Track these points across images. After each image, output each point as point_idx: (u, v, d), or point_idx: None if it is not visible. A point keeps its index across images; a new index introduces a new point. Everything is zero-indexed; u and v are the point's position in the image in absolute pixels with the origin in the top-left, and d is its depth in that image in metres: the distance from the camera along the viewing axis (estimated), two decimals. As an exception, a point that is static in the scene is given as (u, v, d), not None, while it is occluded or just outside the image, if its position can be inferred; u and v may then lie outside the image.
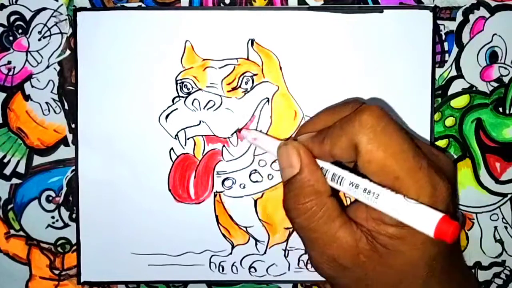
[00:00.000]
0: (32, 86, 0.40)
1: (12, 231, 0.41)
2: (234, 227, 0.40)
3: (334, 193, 0.31)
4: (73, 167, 0.40)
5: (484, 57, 0.40)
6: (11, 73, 0.40)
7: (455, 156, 0.40)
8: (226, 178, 0.40)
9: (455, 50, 0.40)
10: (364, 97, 0.39)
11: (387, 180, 0.28)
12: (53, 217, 0.41)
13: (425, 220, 0.27)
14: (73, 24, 0.39)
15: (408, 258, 0.29)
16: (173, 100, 0.39)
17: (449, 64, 0.40)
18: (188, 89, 0.39)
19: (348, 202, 0.39)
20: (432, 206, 0.27)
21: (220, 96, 0.39)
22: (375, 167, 0.28)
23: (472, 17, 0.40)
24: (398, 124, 0.29)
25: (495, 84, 0.40)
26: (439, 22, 0.40)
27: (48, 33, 0.40)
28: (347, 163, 0.33)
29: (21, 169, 0.40)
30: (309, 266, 0.40)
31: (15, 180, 0.41)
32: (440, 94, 0.40)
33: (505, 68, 0.40)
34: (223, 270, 0.40)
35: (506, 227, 0.41)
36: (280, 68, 0.39)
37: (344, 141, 0.29)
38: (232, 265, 0.40)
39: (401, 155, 0.28)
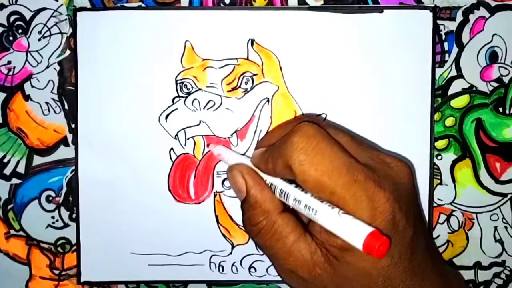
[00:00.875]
0: (32, 86, 0.40)
1: (12, 231, 0.41)
2: (234, 227, 0.40)
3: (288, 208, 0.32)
4: (73, 167, 0.40)
5: (484, 57, 0.40)
6: (11, 73, 0.40)
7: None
8: (226, 178, 0.40)
9: (455, 50, 0.40)
10: (364, 97, 0.39)
11: (325, 196, 0.29)
12: (53, 217, 0.41)
13: (355, 234, 0.27)
14: (73, 24, 0.39)
15: (360, 269, 0.29)
16: (173, 100, 0.39)
17: (449, 64, 0.40)
18: (188, 89, 0.39)
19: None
20: (367, 220, 0.28)
21: (220, 96, 0.39)
22: (311, 185, 0.29)
23: (472, 17, 0.40)
24: (332, 141, 0.29)
25: (495, 84, 0.40)
26: (439, 22, 0.40)
27: (48, 33, 0.40)
28: None
29: (21, 169, 0.40)
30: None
31: (15, 180, 0.41)
32: (440, 94, 0.40)
33: (505, 68, 0.40)
34: (223, 270, 0.40)
35: (506, 227, 0.41)
36: (280, 68, 0.39)
37: (281, 163, 0.30)
38: (232, 265, 0.40)
39: (334, 171, 0.28)
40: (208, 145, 0.39)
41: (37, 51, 0.40)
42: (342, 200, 0.28)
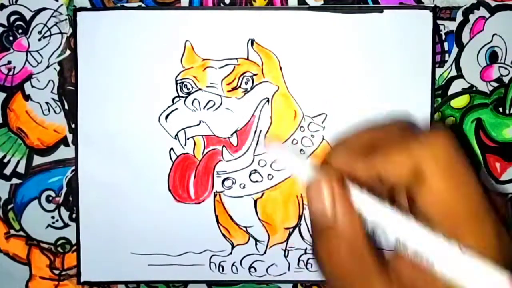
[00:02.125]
0: (32, 86, 0.40)
1: (12, 231, 0.41)
2: (234, 227, 0.40)
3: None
4: (73, 167, 0.40)
5: (484, 57, 0.40)
6: (11, 73, 0.40)
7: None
8: (226, 178, 0.40)
9: (455, 50, 0.40)
10: (364, 96, 0.39)
11: (445, 219, 0.24)
12: (53, 217, 0.41)
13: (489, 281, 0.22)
14: (73, 24, 0.39)
15: None
16: (173, 100, 0.39)
17: (449, 64, 0.40)
18: (188, 89, 0.39)
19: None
20: (497, 264, 0.23)
21: (220, 96, 0.39)
22: (436, 201, 0.24)
23: (472, 17, 0.40)
24: (468, 162, 0.24)
25: (495, 84, 0.40)
26: (439, 22, 0.40)
27: (48, 33, 0.40)
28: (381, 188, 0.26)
29: (21, 169, 0.40)
30: (309, 266, 0.40)
31: (15, 180, 0.41)
32: (440, 94, 0.40)
33: (505, 68, 0.40)
34: (223, 270, 0.40)
35: (506, 227, 0.41)
36: (280, 68, 0.39)
37: (406, 164, 0.24)
38: (232, 265, 0.40)
39: (469, 196, 0.24)
40: (266, 145, 0.38)
41: (37, 51, 0.40)
42: (465, 230, 0.23)
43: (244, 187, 0.40)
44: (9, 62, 0.40)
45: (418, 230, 0.23)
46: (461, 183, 0.23)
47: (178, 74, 0.39)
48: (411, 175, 0.23)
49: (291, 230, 0.40)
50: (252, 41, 0.39)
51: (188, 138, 0.40)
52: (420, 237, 0.23)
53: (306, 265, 0.40)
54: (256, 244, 0.40)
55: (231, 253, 0.40)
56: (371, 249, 0.24)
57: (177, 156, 0.40)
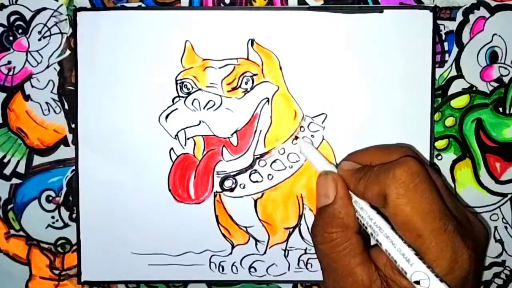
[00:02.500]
0: (32, 86, 0.40)
1: (12, 231, 0.41)
2: (234, 227, 0.40)
3: (360, 230, 0.32)
4: (73, 167, 0.40)
5: (484, 57, 0.40)
6: (11, 73, 0.40)
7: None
8: (226, 178, 0.40)
9: (455, 50, 0.40)
10: (364, 96, 0.39)
11: (410, 236, 0.29)
12: (53, 217, 0.41)
13: (429, 285, 0.28)
14: (73, 24, 0.39)
15: None
16: (173, 100, 0.39)
17: (449, 64, 0.40)
18: (188, 89, 0.39)
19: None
20: (444, 271, 0.28)
21: (220, 96, 0.39)
22: (400, 221, 0.29)
23: (472, 17, 0.40)
24: (432, 183, 0.29)
25: (495, 84, 0.40)
26: (439, 22, 0.40)
27: (48, 33, 0.40)
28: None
29: (21, 169, 0.40)
30: (309, 266, 0.40)
31: (15, 180, 0.41)
32: (440, 94, 0.40)
33: (505, 68, 0.40)
34: (223, 270, 0.40)
35: (506, 227, 0.41)
36: (280, 68, 0.39)
37: (376, 189, 0.30)
38: (232, 265, 0.40)
39: (428, 215, 0.28)
40: (296, 138, 0.39)
41: (37, 51, 0.40)
42: (426, 245, 0.28)
43: (244, 187, 0.40)
44: (9, 62, 0.40)
45: (392, 238, 0.30)
46: (420, 205, 0.28)
47: (178, 74, 0.39)
48: (381, 200, 0.29)
49: (291, 230, 0.40)
50: (252, 41, 0.39)
51: (188, 138, 0.40)
52: (391, 244, 0.29)
53: (306, 265, 0.40)
54: (256, 244, 0.40)
55: (231, 253, 0.40)
56: (358, 233, 0.31)
57: (177, 156, 0.40)
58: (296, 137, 0.39)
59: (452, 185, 0.41)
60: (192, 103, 0.39)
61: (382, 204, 0.30)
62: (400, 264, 0.29)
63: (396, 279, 0.29)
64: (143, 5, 0.40)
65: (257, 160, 0.40)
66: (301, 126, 0.40)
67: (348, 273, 0.30)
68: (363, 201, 0.32)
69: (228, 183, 0.40)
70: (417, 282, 0.28)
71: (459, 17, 0.40)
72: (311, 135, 0.40)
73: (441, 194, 0.30)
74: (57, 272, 0.41)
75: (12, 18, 0.40)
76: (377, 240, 0.31)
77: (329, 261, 0.31)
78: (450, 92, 0.40)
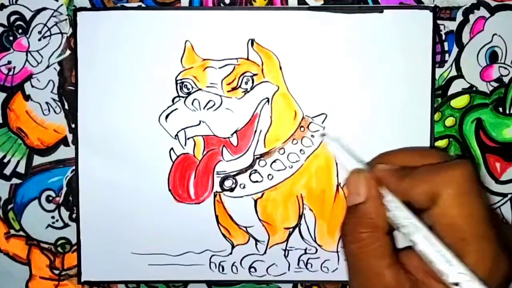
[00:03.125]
0: (32, 86, 0.40)
1: (12, 231, 0.41)
2: (234, 227, 0.40)
3: (391, 231, 0.31)
4: (73, 167, 0.40)
5: (484, 57, 0.40)
6: (11, 73, 0.40)
7: None
8: (226, 178, 0.40)
9: (455, 50, 0.40)
10: (364, 96, 0.39)
11: (452, 238, 0.28)
12: (53, 217, 0.41)
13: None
14: (73, 24, 0.39)
15: None
16: (173, 100, 0.39)
17: (449, 64, 0.40)
18: (188, 89, 0.39)
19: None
20: (484, 276, 0.27)
21: (220, 96, 0.39)
22: (446, 222, 0.28)
23: (472, 17, 0.40)
24: (481, 189, 0.30)
25: (495, 84, 0.40)
26: (439, 22, 0.40)
27: (48, 33, 0.40)
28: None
29: (21, 169, 0.40)
30: (309, 266, 0.40)
31: (15, 180, 0.41)
32: (440, 94, 0.40)
33: (505, 68, 0.40)
34: (223, 270, 0.40)
35: (506, 227, 0.41)
36: (280, 68, 0.39)
37: (426, 187, 0.29)
38: (232, 265, 0.40)
39: (475, 220, 0.28)
40: (322, 135, 0.38)
41: (37, 51, 0.40)
42: (467, 248, 0.28)
43: (244, 187, 0.40)
44: (9, 62, 0.40)
45: (429, 238, 0.29)
46: (470, 209, 0.28)
47: (178, 74, 0.39)
48: (429, 199, 0.29)
49: (291, 230, 0.40)
50: (252, 41, 0.39)
51: (188, 138, 0.40)
52: (429, 244, 0.28)
53: (306, 265, 0.40)
54: (256, 244, 0.40)
55: (231, 253, 0.40)
56: (388, 234, 0.30)
57: (177, 156, 0.40)
58: (323, 134, 0.39)
59: (452, 185, 0.41)
60: (192, 103, 0.39)
61: (428, 204, 0.29)
62: (438, 265, 0.28)
63: (429, 282, 0.29)
64: (143, 5, 0.40)
65: (257, 160, 0.40)
66: (301, 126, 0.40)
67: (376, 275, 0.30)
68: (399, 200, 0.31)
69: (228, 183, 0.40)
70: (456, 284, 0.27)
71: (459, 17, 0.40)
72: (311, 135, 0.40)
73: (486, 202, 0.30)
74: (57, 272, 0.41)
75: (12, 18, 0.40)
76: (411, 241, 0.29)
77: (357, 261, 0.30)
78: (450, 92, 0.40)
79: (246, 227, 0.40)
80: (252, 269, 0.40)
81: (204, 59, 0.39)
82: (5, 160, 0.40)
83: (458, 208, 0.28)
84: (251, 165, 0.40)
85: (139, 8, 0.39)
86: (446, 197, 0.28)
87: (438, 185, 0.29)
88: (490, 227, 0.28)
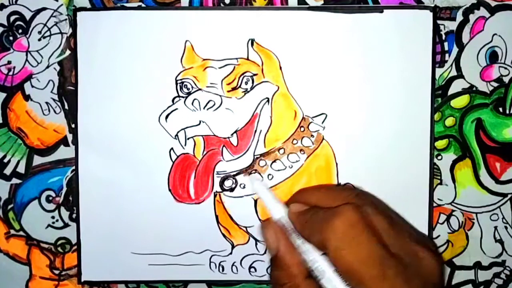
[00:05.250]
0: (32, 86, 0.40)
1: (12, 231, 0.41)
2: (234, 227, 0.40)
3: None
4: (73, 167, 0.40)
5: (484, 57, 0.40)
6: (11, 73, 0.40)
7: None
8: (226, 178, 0.40)
9: (455, 50, 0.40)
10: (364, 96, 0.39)
11: (351, 280, 0.29)
12: (53, 217, 0.41)
13: None
14: (73, 24, 0.39)
15: None
16: (173, 100, 0.39)
17: (449, 64, 0.40)
18: (188, 89, 0.39)
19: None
20: None
21: (220, 96, 0.39)
22: (341, 270, 0.30)
23: (472, 17, 0.40)
24: (372, 230, 0.30)
25: (495, 84, 0.40)
26: (439, 22, 0.40)
27: (48, 33, 0.40)
28: None
29: (21, 169, 0.40)
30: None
31: (15, 180, 0.41)
32: (440, 94, 0.40)
33: (505, 68, 0.40)
34: (223, 270, 0.40)
35: (506, 227, 0.41)
36: (280, 68, 0.39)
37: (318, 238, 0.31)
38: (232, 265, 0.40)
39: (367, 263, 0.29)
40: (245, 173, 0.39)
41: (37, 51, 0.40)
42: None
43: (244, 187, 0.40)
44: (9, 62, 0.40)
45: (331, 281, 0.30)
46: (358, 255, 0.29)
47: (178, 74, 0.39)
48: (323, 247, 0.30)
49: (291, 230, 0.40)
50: (252, 41, 0.39)
51: (188, 138, 0.40)
52: (334, 286, 0.30)
53: (306, 265, 0.40)
54: (256, 244, 0.40)
55: (231, 253, 0.40)
56: (308, 278, 0.32)
57: (177, 156, 0.40)
58: (249, 173, 0.39)
59: (452, 185, 0.41)
60: (192, 103, 0.39)
61: (325, 251, 0.31)
62: None
63: None
64: (143, 5, 0.40)
65: (257, 160, 0.40)
66: (301, 126, 0.40)
67: None
68: (308, 243, 0.32)
69: (228, 183, 0.40)
70: None
71: (459, 17, 0.40)
72: (311, 135, 0.40)
73: (383, 238, 0.30)
74: (57, 272, 0.41)
75: (12, 18, 0.40)
76: (321, 284, 0.31)
77: None
78: (450, 92, 0.40)
79: (246, 227, 0.40)
80: (252, 269, 0.40)
81: (204, 59, 0.39)
82: (5, 160, 0.40)
83: (346, 256, 0.29)
84: (251, 165, 0.40)
85: (139, 8, 0.39)
86: (332, 248, 0.29)
87: (325, 235, 0.30)
88: (385, 266, 0.29)
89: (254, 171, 0.40)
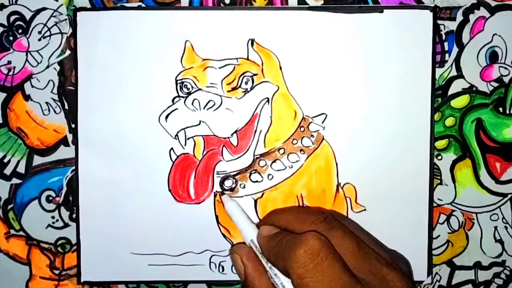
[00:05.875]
0: (32, 86, 0.40)
1: (12, 231, 0.41)
2: (234, 227, 0.40)
3: None
4: (73, 167, 0.40)
5: (484, 57, 0.40)
6: (11, 73, 0.40)
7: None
8: (226, 178, 0.40)
9: (455, 50, 0.40)
10: (364, 96, 0.39)
11: None
12: (53, 217, 0.41)
13: None
14: (73, 24, 0.39)
15: None
16: (173, 100, 0.39)
17: (449, 64, 0.40)
18: (188, 89, 0.39)
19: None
20: None
21: (220, 96, 0.39)
22: None
23: (472, 17, 0.40)
24: (335, 257, 0.30)
25: (495, 84, 0.40)
26: (439, 22, 0.40)
27: (48, 33, 0.40)
28: None
29: (21, 169, 0.40)
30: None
31: (15, 180, 0.41)
32: (440, 94, 0.40)
33: (505, 68, 0.40)
34: (223, 270, 0.40)
35: (506, 227, 0.41)
36: (280, 68, 0.39)
37: (282, 265, 0.32)
38: (232, 265, 0.40)
39: None
40: (220, 195, 0.39)
41: (37, 51, 0.40)
42: None
43: (244, 187, 0.40)
44: (9, 62, 0.40)
45: None
46: (321, 283, 0.29)
47: (178, 74, 0.39)
48: (288, 274, 0.31)
49: (291, 230, 0.40)
50: (252, 41, 0.39)
51: (188, 138, 0.40)
52: None
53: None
54: (256, 244, 0.40)
55: (231, 253, 0.40)
56: None
57: (177, 156, 0.40)
58: (223, 193, 0.39)
59: (452, 185, 0.41)
60: (192, 103, 0.39)
61: (289, 278, 0.31)
62: None
63: None
64: (143, 5, 0.40)
65: (257, 160, 0.40)
66: (301, 126, 0.40)
67: None
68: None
69: (228, 183, 0.40)
70: None
71: (459, 17, 0.40)
72: (311, 135, 0.40)
73: (350, 263, 0.31)
74: (57, 272, 0.41)
75: (12, 18, 0.40)
76: None
77: None
78: (450, 92, 0.40)
79: (246, 227, 0.40)
80: (252, 269, 0.40)
81: (204, 59, 0.39)
82: (5, 160, 0.40)
83: (310, 283, 0.30)
84: (251, 165, 0.40)
85: (139, 8, 0.39)
86: (295, 277, 0.30)
87: (289, 262, 0.30)
88: None
89: (254, 171, 0.40)
